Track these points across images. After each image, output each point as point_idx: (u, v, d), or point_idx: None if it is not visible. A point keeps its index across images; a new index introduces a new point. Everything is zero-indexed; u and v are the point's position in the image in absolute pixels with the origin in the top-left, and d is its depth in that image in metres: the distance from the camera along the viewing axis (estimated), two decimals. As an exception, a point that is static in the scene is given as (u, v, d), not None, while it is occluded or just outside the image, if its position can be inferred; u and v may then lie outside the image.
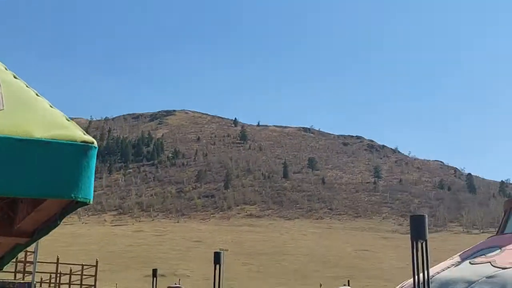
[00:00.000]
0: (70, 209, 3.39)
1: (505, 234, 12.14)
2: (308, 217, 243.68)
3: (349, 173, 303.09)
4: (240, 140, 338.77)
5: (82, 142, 3.02)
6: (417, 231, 5.72)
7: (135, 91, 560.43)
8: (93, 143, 3.04)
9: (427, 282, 5.85)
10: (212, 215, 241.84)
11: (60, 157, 2.95)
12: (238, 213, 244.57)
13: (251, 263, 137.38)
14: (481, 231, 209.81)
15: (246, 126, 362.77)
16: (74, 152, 2.98)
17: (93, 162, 3.05)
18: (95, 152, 3.06)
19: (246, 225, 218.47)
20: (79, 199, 2.98)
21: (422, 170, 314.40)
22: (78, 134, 3.05)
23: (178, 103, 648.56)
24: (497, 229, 12.76)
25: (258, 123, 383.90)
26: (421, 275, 6.15)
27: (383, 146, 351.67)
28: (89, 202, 3.02)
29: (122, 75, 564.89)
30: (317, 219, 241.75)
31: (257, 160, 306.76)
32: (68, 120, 3.13)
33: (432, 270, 11.32)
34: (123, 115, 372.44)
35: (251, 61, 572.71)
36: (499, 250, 11.25)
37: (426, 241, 5.80)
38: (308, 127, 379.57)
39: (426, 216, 6.07)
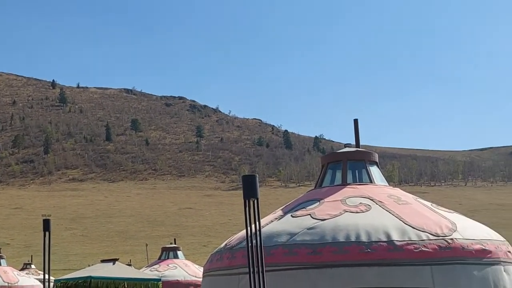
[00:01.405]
0: None
1: (323, 187, 13.09)
2: (133, 178, 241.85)
3: (172, 134, 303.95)
4: (59, 102, 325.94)
5: None
6: (249, 190, 6.19)
7: None
8: None
9: (259, 234, 6.44)
10: (32, 181, 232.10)
11: None
12: (60, 178, 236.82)
13: (75, 228, 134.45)
14: (298, 184, 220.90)
15: (65, 88, 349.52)
16: None
17: None
18: None
19: (68, 189, 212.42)
20: None
21: (242, 129, 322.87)
22: None
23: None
24: (315, 183, 13.71)
25: (78, 84, 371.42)
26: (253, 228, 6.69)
27: (205, 106, 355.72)
28: None
29: None
30: (141, 180, 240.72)
31: (78, 123, 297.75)
32: None
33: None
34: None
35: (66, 14, 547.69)
36: (318, 203, 12.12)
37: (257, 199, 6.33)
38: (130, 88, 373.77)
39: (257, 175, 6.58)
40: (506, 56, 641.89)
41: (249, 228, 6.20)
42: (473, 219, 12.26)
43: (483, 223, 12.15)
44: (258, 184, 6.26)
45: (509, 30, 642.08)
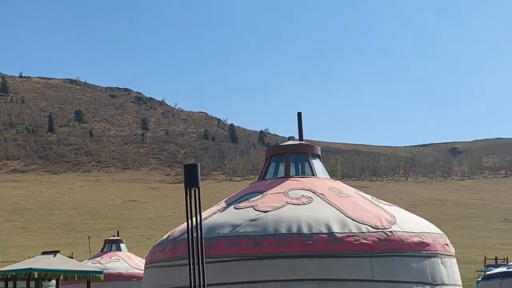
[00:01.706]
0: None
1: (266, 180, 13.18)
2: (76, 170, 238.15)
3: (117, 126, 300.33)
4: (0, 92, 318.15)
5: None
6: (191, 179, 6.17)
7: None
8: None
9: (200, 225, 6.42)
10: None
11: None
12: (1, 169, 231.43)
13: (16, 220, 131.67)
14: (243, 178, 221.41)
15: (7, 77, 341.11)
16: None
17: None
18: None
19: (9, 180, 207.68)
20: None
21: (188, 122, 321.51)
22: None
23: None
24: (258, 176, 13.79)
25: (21, 74, 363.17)
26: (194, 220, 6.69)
27: (151, 98, 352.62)
28: None
29: None
30: (85, 172, 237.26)
31: (20, 113, 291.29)
32: None
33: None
34: None
35: (8, 2, 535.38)
36: (261, 195, 12.20)
37: (198, 188, 6.31)
38: (74, 78, 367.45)
39: (199, 164, 6.57)
40: (449, 54, 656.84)
41: (189, 218, 6.17)
42: (414, 214, 12.52)
43: (423, 218, 12.42)
44: (199, 174, 6.24)
45: (451, 26, 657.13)
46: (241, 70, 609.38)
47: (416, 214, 12.52)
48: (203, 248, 6.37)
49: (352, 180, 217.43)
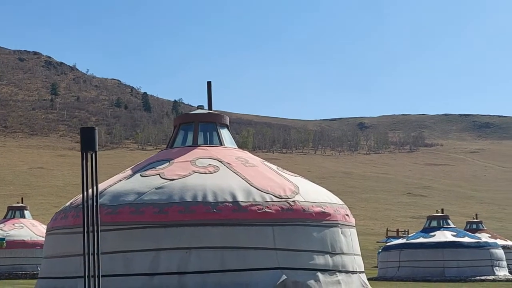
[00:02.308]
0: None
1: (174, 148, 13.16)
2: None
3: (25, 90, 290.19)
4: None
5: None
6: (87, 143, 6.04)
7: None
8: None
9: (96, 190, 6.34)
10: None
11: None
12: None
13: None
14: (155, 147, 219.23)
15: None
16: None
17: None
18: None
19: None
20: None
21: (100, 88, 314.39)
22: None
23: None
24: (167, 144, 13.75)
25: None
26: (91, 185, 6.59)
27: (61, 63, 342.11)
28: None
29: None
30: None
31: None
32: None
33: (105, 184, 11.93)
34: None
35: None
36: (168, 163, 12.19)
37: (95, 152, 6.21)
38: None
39: (96, 128, 6.44)
40: (358, 32, 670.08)
41: (85, 182, 6.07)
42: (321, 186, 12.80)
43: (329, 190, 12.72)
44: (97, 137, 6.13)
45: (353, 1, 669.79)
46: (155, 39, 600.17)
47: (323, 186, 12.81)
48: (99, 214, 6.28)
49: (263, 151, 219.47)
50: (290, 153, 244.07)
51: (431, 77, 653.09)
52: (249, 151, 14.08)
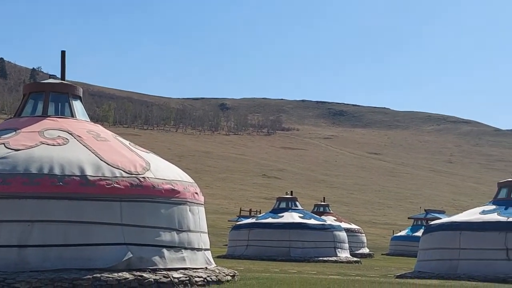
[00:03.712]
0: None
1: (22, 117, 12.68)
2: None
3: None
4: None
5: None
6: None
7: None
8: None
9: None
10: None
11: None
12: None
13: None
14: (10, 116, 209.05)
15: None
16: None
17: None
18: None
19: None
20: None
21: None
22: None
23: None
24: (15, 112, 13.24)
25: None
26: None
27: None
28: None
29: None
30: None
31: None
32: None
33: None
34: None
35: None
36: (14, 132, 11.72)
37: None
38: None
39: None
40: (217, 10, 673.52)
41: None
42: (179, 164, 12.85)
43: (189, 168, 12.85)
44: None
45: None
46: (13, 2, 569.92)
47: (182, 165, 12.94)
48: None
49: (123, 127, 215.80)
50: (151, 129, 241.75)
51: (291, 63, 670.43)
52: (109, 126, 13.87)
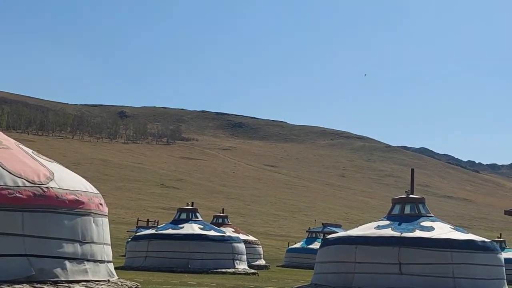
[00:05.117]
0: None
1: None
2: None
3: None
4: None
5: None
6: None
7: None
8: None
9: None
10: None
11: None
12: None
13: None
14: None
15: None
16: None
17: None
18: None
19: None
20: None
21: None
22: None
23: None
24: None
25: None
26: None
27: None
28: None
29: None
30: None
31: None
32: None
33: None
34: None
35: None
36: None
37: None
38: None
39: None
40: (127, 21, 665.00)
41: None
42: (76, 172, 12.67)
43: (85, 177, 12.65)
44: None
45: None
46: None
47: (78, 173, 12.71)
48: None
49: (17, 132, 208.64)
50: (47, 136, 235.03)
51: (192, 73, 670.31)
52: (1, 131, 13.45)
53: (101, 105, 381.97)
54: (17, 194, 10.44)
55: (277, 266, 45.47)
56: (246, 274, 28.21)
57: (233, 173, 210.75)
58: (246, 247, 32.35)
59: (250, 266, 33.10)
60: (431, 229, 17.00)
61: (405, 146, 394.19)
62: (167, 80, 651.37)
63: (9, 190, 10.40)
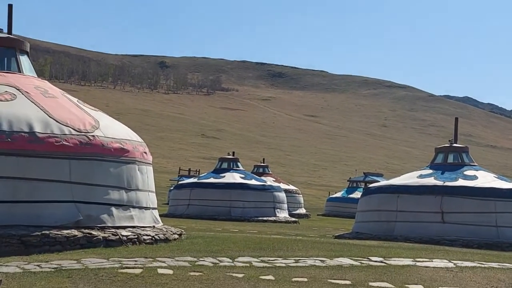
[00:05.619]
0: None
1: (-34, 71, 12.42)
2: None
3: None
4: None
5: None
6: None
7: None
8: None
9: None
10: None
11: None
12: None
13: None
14: None
15: None
16: None
17: None
18: None
19: None
20: None
21: None
22: None
23: None
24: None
25: None
26: None
27: None
28: None
29: None
30: None
31: None
32: None
33: None
34: None
35: None
36: (-41, 86, 11.52)
37: None
38: None
39: None
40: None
41: None
42: (117, 121, 12.81)
43: (127, 127, 12.80)
44: None
45: None
46: None
47: (120, 123, 12.86)
48: None
49: (60, 82, 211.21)
50: (89, 86, 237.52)
51: (232, 22, 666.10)
52: (45, 80, 13.63)
53: (142, 55, 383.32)
54: (64, 142, 10.62)
55: (317, 215, 45.79)
56: (287, 222, 28.51)
57: (273, 123, 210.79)
58: (286, 196, 32.64)
59: (290, 215, 33.43)
60: (474, 178, 16.86)
61: (448, 95, 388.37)
62: (208, 30, 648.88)
63: (56, 138, 10.59)
